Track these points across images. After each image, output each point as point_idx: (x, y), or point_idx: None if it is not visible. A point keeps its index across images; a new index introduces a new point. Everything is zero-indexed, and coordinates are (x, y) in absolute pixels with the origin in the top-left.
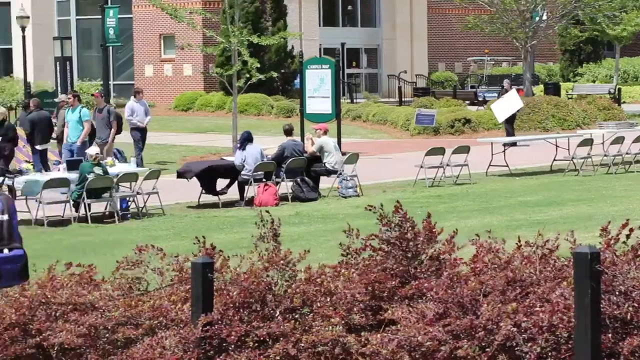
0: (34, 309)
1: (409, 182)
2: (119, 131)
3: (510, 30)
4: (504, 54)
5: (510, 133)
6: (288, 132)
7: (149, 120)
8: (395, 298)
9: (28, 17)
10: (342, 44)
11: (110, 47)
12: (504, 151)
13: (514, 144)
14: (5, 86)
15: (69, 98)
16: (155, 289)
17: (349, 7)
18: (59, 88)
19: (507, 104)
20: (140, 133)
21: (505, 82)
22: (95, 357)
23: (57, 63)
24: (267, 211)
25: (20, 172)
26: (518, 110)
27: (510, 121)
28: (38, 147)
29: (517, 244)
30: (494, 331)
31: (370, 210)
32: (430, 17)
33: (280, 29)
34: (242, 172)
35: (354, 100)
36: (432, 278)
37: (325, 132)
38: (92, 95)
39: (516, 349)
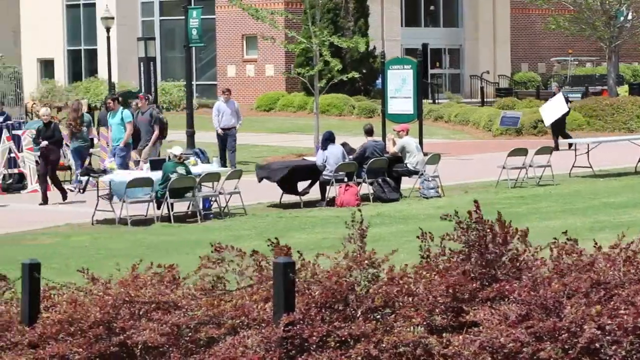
0: (117, 307)
1: (491, 183)
2: (161, 135)
3: (595, 30)
4: (587, 54)
5: (556, 136)
6: (369, 132)
7: (239, 122)
8: (476, 300)
9: (113, 18)
10: (424, 44)
11: (193, 48)
12: (587, 152)
13: (556, 148)
14: (90, 86)
15: (109, 102)
16: (236, 288)
17: (431, 7)
18: (143, 88)
19: (554, 107)
20: (219, 138)
21: (554, 85)
22: (177, 356)
23: (141, 63)
24: (360, 210)
25: (104, 172)
26: (565, 115)
27: (560, 125)
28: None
29: (597, 246)
30: (577, 334)
31: (446, 219)
32: (513, 17)
33: (362, 28)
34: (324, 172)
35: (436, 101)
36: (513, 280)
37: (407, 133)
38: (136, 97)
39: (600, 351)
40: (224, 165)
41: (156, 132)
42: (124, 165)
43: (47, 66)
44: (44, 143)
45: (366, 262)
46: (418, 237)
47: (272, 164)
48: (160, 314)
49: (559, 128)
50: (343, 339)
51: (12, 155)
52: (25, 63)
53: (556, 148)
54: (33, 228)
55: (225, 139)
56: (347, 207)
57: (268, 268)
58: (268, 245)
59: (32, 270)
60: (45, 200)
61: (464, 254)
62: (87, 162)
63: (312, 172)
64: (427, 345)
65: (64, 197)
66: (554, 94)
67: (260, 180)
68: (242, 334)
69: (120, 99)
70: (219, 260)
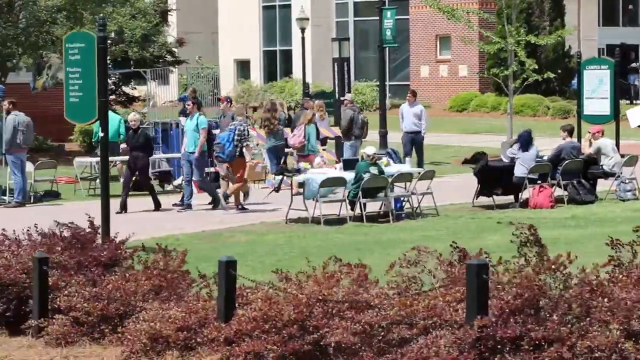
0: (311, 306)
1: None
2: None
3: None
4: None
5: None
6: (570, 132)
7: (423, 126)
8: None
9: (308, 19)
10: (622, 44)
11: (387, 48)
12: None
13: None
14: (285, 86)
15: (187, 105)
16: (429, 289)
17: (630, 6)
18: (337, 89)
19: None
20: (403, 140)
21: None
22: (370, 355)
23: (335, 64)
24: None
25: (298, 171)
26: None
27: None
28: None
29: None
30: None
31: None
32: None
33: (558, 28)
34: (517, 173)
35: (634, 101)
36: None
37: (602, 134)
38: (219, 100)
39: None
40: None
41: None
42: (200, 175)
43: (243, 67)
44: (123, 146)
45: (553, 266)
46: (607, 244)
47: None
48: (353, 313)
49: None
50: (537, 342)
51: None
52: (222, 64)
53: None
54: (229, 226)
55: (410, 142)
56: (541, 209)
57: (461, 269)
58: (455, 249)
59: (228, 268)
60: (124, 208)
61: None
62: (282, 162)
63: (506, 173)
64: (623, 351)
65: (157, 207)
66: None
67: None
68: (434, 334)
69: (200, 102)
70: (412, 261)
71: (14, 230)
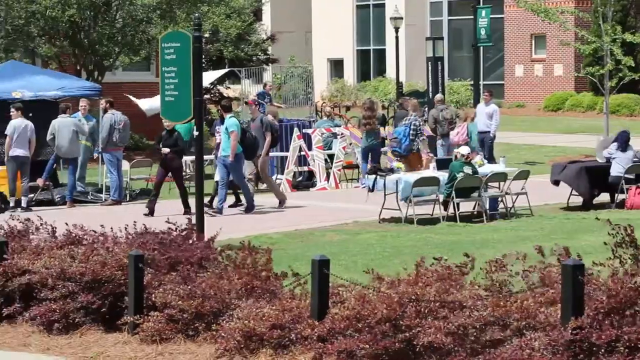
0: (403, 305)
1: None
2: (273, 143)
3: None
4: None
5: None
6: None
7: (492, 127)
8: None
9: (401, 18)
10: None
11: (481, 47)
12: None
13: None
14: (378, 85)
15: (218, 107)
16: (522, 290)
17: None
18: (430, 88)
19: None
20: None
21: None
22: (462, 356)
23: (429, 63)
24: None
25: (392, 171)
26: None
27: None
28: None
29: None
30: None
31: None
32: None
33: None
34: (613, 173)
35: None
36: None
37: None
38: (246, 103)
39: None
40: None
41: (268, 140)
42: (240, 178)
43: (336, 66)
44: (165, 150)
45: None
46: None
47: (565, 168)
48: (445, 313)
49: None
50: (632, 344)
51: (303, 153)
52: (315, 63)
53: None
54: (322, 225)
55: (480, 142)
56: (638, 210)
57: (555, 270)
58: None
59: (321, 267)
60: (151, 212)
61: None
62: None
63: (602, 173)
64: None
65: (187, 211)
66: None
67: (554, 183)
68: (528, 336)
69: (230, 105)
70: (505, 262)
71: (111, 228)
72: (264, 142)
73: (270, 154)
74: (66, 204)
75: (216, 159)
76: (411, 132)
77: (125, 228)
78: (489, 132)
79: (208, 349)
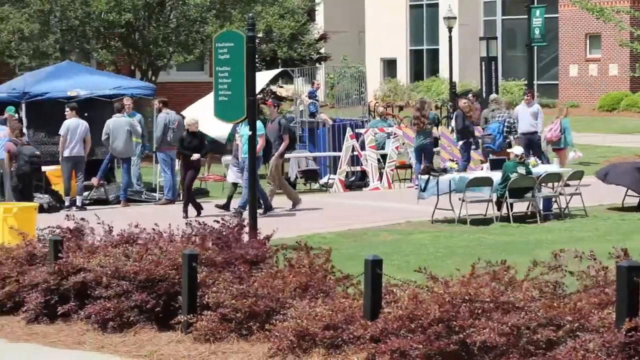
0: (457, 306)
1: None
2: (290, 146)
3: None
4: None
5: None
6: None
7: (540, 124)
8: None
9: (455, 18)
10: None
11: (535, 47)
12: None
13: None
14: (431, 85)
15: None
16: (576, 291)
17: None
18: (484, 88)
19: None
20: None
21: None
22: (516, 357)
23: (482, 63)
24: None
25: (445, 171)
26: None
27: None
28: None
29: None
30: None
31: None
32: None
33: None
34: None
35: None
36: None
37: None
38: (264, 103)
39: None
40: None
41: (285, 142)
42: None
43: (389, 65)
44: (196, 156)
45: None
46: None
47: (616, 167)
48: (499, 314)
49: None
50: None
51: (355, 153)
52: (368, 62)
53: None
54: (374, 225)
55: (527, 143)
56: None
57: (609, 271)
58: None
59: (374, 267)
60: (186, 213)
61: None
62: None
63: None
64: None
65: (185, 216)
66: None
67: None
68: (582, 337)
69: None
70: (559, 265)
71: (169, 225)
72: (279, 143)
73: (296, 154)
74: (120, 203)
75: (233, 161)
76: (504, 129)
77: (179, 227)
78: (536, 132)
79: (261, 348)
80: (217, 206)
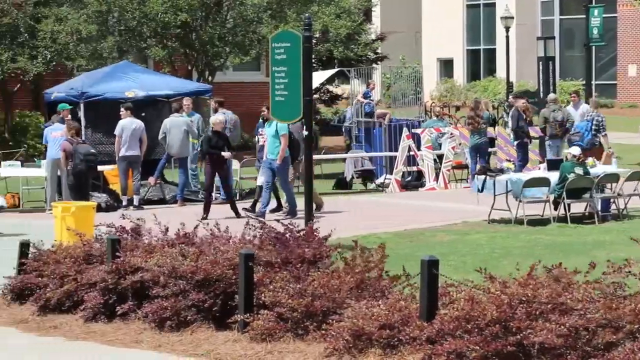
0: (514, 307)
1: None
2: (315, 146)
3: None
4: None
5: None
6: None
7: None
8: None
9: (512, 18)
10: None
11: (593, 47)
12: None
13: None
14: (488, 85)
15: (262, 111)
16: (636, 292)
17: None
18: (541, 88)
19: None
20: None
21: None
22: (574, 359)
23: (540, 63)
24: None
25: (502, 171)
26: None
27: None
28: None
29: None
30: None
31: None
32: None
33: None
34: None
35: None
36: None
37: None
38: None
39: None
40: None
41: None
42: (285, 181)
43: (446, 65)
44: (227, 154)
45: None
46: None
47: None
48: (557, 315)
49: None
50: None
51: (412, 153)
52: (425, 62)
53: None
54: (431, 225)
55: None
56: None
57: None
58: None
59: (430, 267)
60: (206, 214)
61: None
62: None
63: None
64: None
65: (205, 217)
66: None
67: None
68: None
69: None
70: (618, 265)
71: (227, 226)
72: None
73: (352, 154)
74: (177, 203)
75: (259, 162)
76: (593, 127)
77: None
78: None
79: (317, 348)
80: (245, 209)
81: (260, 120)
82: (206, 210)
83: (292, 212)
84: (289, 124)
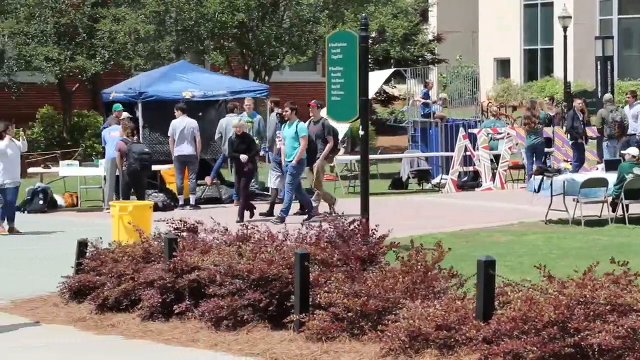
0: (572, 308)
1: None
2: (334, 148)
3: None
4: None
5: None
6: None
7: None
8: None
9: (570, 17)
10: None
11: None
12: None
13: None
14: (545, 85)
15: (285, 111)
16: None
17: None
18: (599, 88)
19: None
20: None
21: None
22: None
23: (598, 62)
24: None
25: (559, 171)
26: None
27: None
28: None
29: None
30: None
31: None
32: None
33: None
34: None
35: None
36: None
37: None
38: (308, 105)
39: None
40: None
41: (330, 144)
42: (294, 184)
43: (503, 65)
44: (244, 157)
45: None
46: None
47: None
48: (615, 316)
49: None
50: None
51: (468, 153)
52: (482, 62)
53: None
54: (487, 225)
55: (626, 145)
56: None
57: None
58: None
59: (487, 267)
60: (241, 217)
61: None
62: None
63: None
64: None
65: (251, 213)
66: None
67: None
68: None
69: (297, 108)
70: None
71: (285, 226)
72: (322, 145)
73: (408, 154)
74: (233, 202)
75: (273, 165)
76: None
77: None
78: (635, 134)
79: (373, 348)
80: (262, 214)
81: (277, 121)
82: (243, 213)
83: (310, 215)
84: (349, 122)
